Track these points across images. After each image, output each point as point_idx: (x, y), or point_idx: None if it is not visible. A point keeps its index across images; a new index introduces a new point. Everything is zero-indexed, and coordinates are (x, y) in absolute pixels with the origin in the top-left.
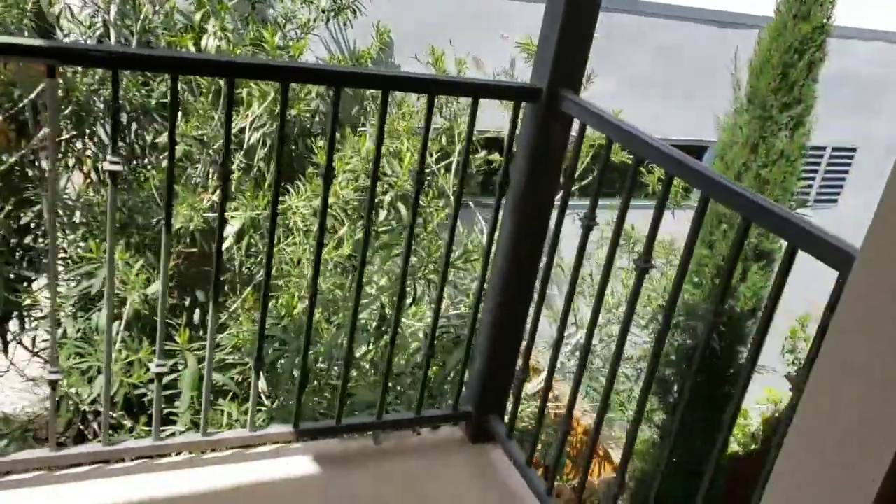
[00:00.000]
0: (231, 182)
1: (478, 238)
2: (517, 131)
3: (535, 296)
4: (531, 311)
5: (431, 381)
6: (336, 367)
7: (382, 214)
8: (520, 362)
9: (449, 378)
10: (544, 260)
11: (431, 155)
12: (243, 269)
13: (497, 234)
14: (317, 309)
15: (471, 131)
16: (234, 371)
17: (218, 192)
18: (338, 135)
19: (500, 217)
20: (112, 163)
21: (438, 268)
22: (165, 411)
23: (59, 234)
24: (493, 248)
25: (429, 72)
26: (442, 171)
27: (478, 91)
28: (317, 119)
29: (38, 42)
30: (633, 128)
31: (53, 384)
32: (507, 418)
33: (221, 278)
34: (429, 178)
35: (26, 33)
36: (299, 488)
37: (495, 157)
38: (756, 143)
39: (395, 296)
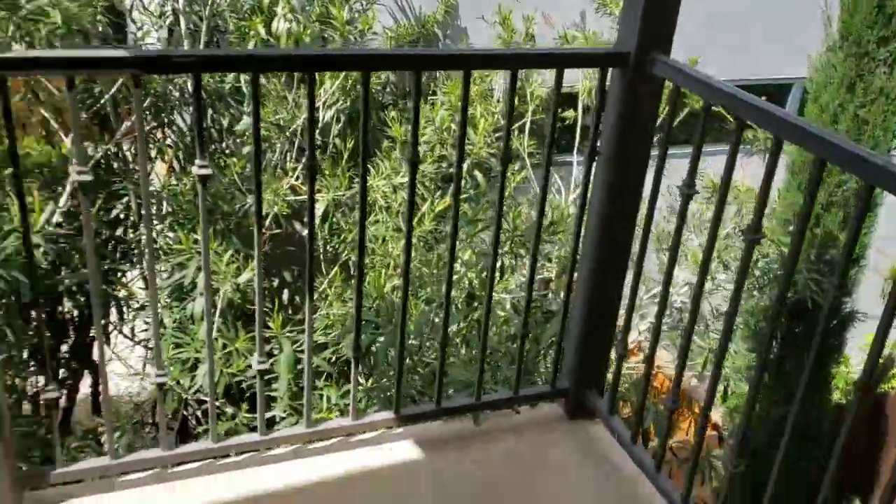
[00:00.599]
0: (317, 172)
1: (555, 200)
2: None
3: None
4: (628, 279)
5: (525, 356)
6: (427, 344)
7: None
8: (618, 334)
9: (542, 353)
10: (639, 229)
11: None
12: (328, 247)
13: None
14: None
15: (557, 106)
16: (327, 352)
17: (298, 173)
18: (408, 104)
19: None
20: (201, 167)
21: (525, 240)
22: (267, 394)
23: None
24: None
25: (496, 31)
26: (515, 132)
27: (562, 62)
28: (387, 90)
29: (121, 53)
30: (733, 88)
31: (161, 386)
32: (606, 393)
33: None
34: (499, 140)
35: (100, 28)
36: (405, 473)
37: (569, 114)
38: (852, 82)
39: (483, 271)
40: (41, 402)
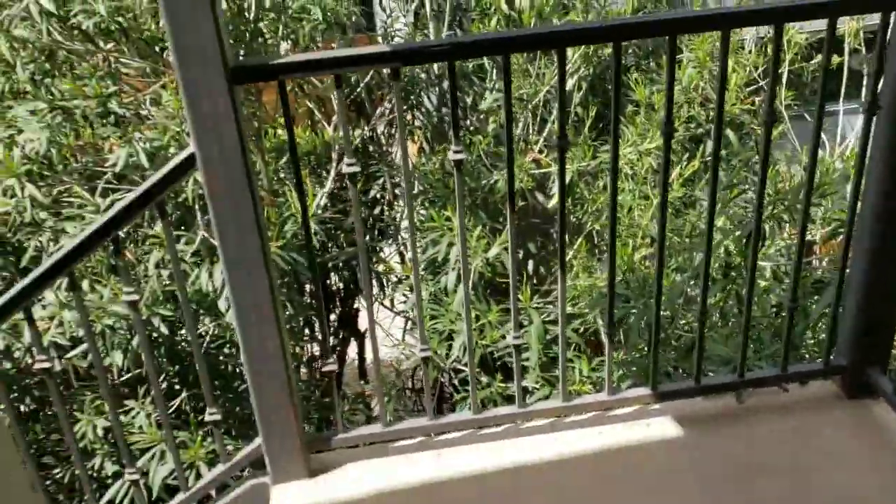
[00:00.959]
0: (567, 149)
1: (819, 154)
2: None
3: None
4: None
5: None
6: (680, 316)
7: (710, 145)
8: None
9: (810, 326)
10: None
11: (757, 69)
12: (571, 218)
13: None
14: (654, 258)
15: (827, 60)
16: (576, 322)
17: (540, 145)
18: (652, 64)
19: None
20: (456, 151)
21: (787, 202)
22: (511, 365)
23: (400, 202)
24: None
25: None
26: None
27: (832, 9)
28: (629, 51)
29: (383, 48)
30: None
31: (426, 360)
32: (891, 370)
33: (553, 229)
34: (753, 95)
35: (353, 19)
36: (664, 450)
37: (834, 59)
38: None
39: (742, 238)
40: (320, 372)
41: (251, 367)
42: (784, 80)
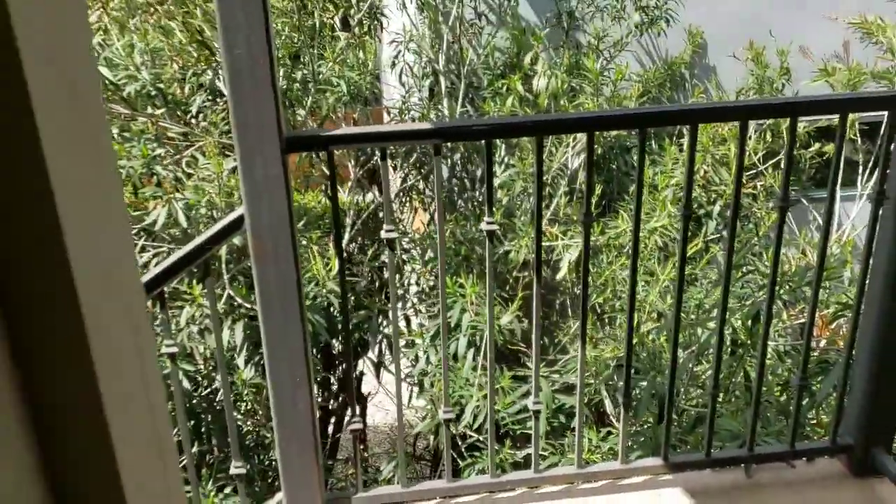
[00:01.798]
0: (592, 228)
1: (811, 238)
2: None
3: None
4: None
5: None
6: (684, 391)
7: (711, 225)
8: None
9: (816, 404)
10: None
11: (756, 154)
12: (576, 290)
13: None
14: (660, 332)
15: (840, 152)
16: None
17: (557, 226)
18: (655, 146)
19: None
20: (488, 223)
21: (792, 284)
22: (519, 431)
23: (415, 265)
24: (870, 259)
25: (748, 68)
26: (770, 170)
27: (846, 106)
28: (634, 132)
29: (426, 126)
30: None
31: (448, 423)
32: None
33: (557, 301)
34: (753, 180)
35: (375, 92)
36: None
37: (828, 148)
38: None
39: (747, 317)
40: (334, 431)
41: (280, 424)
42: (783, 165)
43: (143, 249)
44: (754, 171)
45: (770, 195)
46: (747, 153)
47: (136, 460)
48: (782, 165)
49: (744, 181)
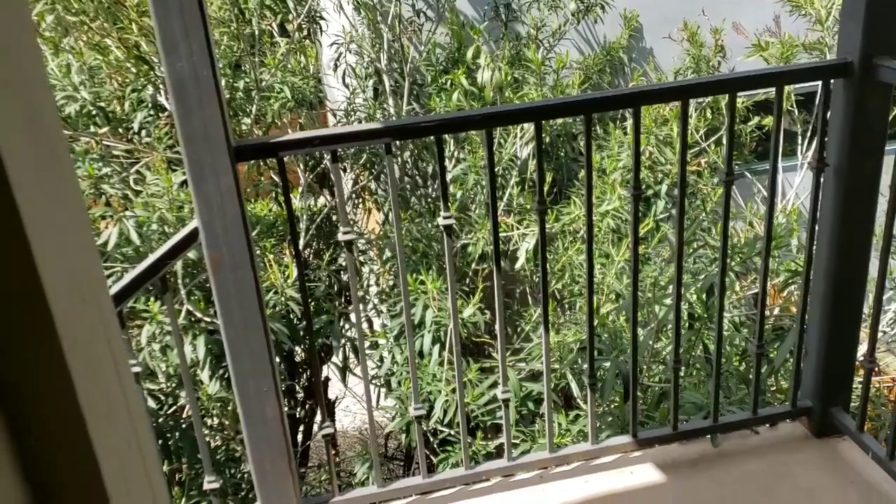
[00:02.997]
0: (546, 215)
1: (757, 209)
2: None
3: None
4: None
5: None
6: (645, 368)
7: (660, 204)
8: (864, 348)
9: (774, 370)
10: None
11: (698, 131)
12: (534, 278)
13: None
14: (619, 312)
15: (779, 123)
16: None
17: (512, 216)
18: (600, 131)
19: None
20: (445, 217)
21: (743, 258)
22: (490, 422)
23: (373, 266)
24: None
25: (684, 48)
26: (713, 146)
27: (781, 79)
28: (579, 119)
29: (376, 126)
30: None
31: (419, 419)
32: (853, 409)
33: (518, 290)
34: (697, 157)
35: (320, 96)
36: (648, 495)
37: (767, 121)
38: None
39: (701, 291)
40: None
41: (250, 433)
42: (725, 140)
43: None
44: (698, 148)
45: (714, 171)
46: (689, 131)
47: (118, 466)
48: (724, 141)
49: (688, 159)
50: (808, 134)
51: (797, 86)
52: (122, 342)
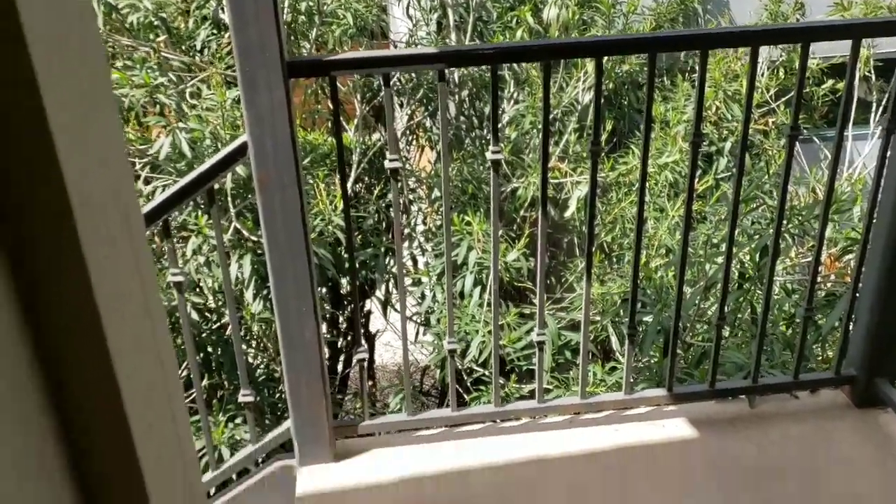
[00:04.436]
0: (599, 158)
1: (822, 176)
2: None
3: None
4: None
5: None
6: (690, 326)
7: (722, 162)
8: None
9: (821, 337)
10: None
11: (769, 91)
12: (584, 229)
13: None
14: (668, 268)
15: (851, 80)
16: (589, 328)
17: (566, 163)
18: (667, 82)
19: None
20: (494, 152)
21: (801, 220)
22: (525, 367)
23: (421, 205)
24: (879, 192)
25: (762, 2)
26: (782, 107)
27: (856, 31)
28: (644, 69)
29: (430, 50)
30: None
31: (452, 353)
32: None
33: (565, 240)
34: (765, 117)
35: (382, 25)
36: (678, 450)
37: (841, 86)
38: None
39: (755, 251)
40: (346, 362)
41: (288, 354)
42: (794, 91)
43: (147, 181)
44: (767, 107)
45: (782, 133)
46: (760, 90)
47: (133, 362)
48: (793, 95)
49: (756, 118)
50: (883, 102)
51: (876, 51)
52: (145, 240)
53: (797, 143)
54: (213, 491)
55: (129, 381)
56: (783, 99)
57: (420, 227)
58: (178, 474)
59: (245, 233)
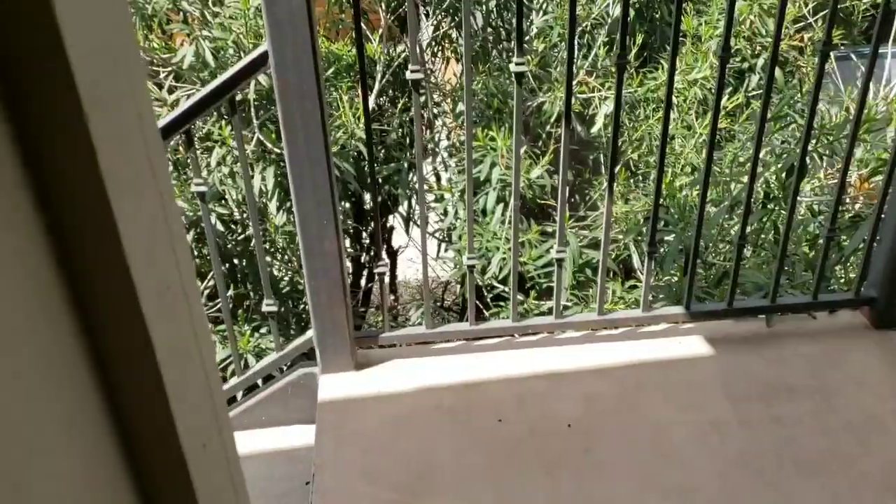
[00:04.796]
0: (625, 71)
1: (855, 95)
2: None
3: None
4: None
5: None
6: (712, 246)
7: (754, 80)
8: None
9: (843, 259)
10: None
11: (807, 5)
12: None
13: None
14: (693, 187)
15: None
16: (610, 247)
17: (594, 77)
18: None
19: None
20: (517, 64)
21: (831, 140)
22: (545, 285)
23: (445, 120)
24: None
25: None
26: (820, 22)
27: None
28: None
29: None
30: None
31: (471, 269)
32: None
33: (591, 157)
34: (801, 32)
35: None
36: (693, 366)
37: None
38: None
39: (782, 170)
40: (368, 275)
41: (309, 264)
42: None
43: (171, 91)
44: (804, 22)
45: (817, 50)
46: (796, 3)
47: (142, 244)
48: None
49: (791, 33)
50: None
51: None
52: (159, 141)
53: (833, 61)
54: (240, 395)
55: (143, 281)
56: (821, 14)
57: (444, 143)
58: (194, 358)
59: (268, 144)
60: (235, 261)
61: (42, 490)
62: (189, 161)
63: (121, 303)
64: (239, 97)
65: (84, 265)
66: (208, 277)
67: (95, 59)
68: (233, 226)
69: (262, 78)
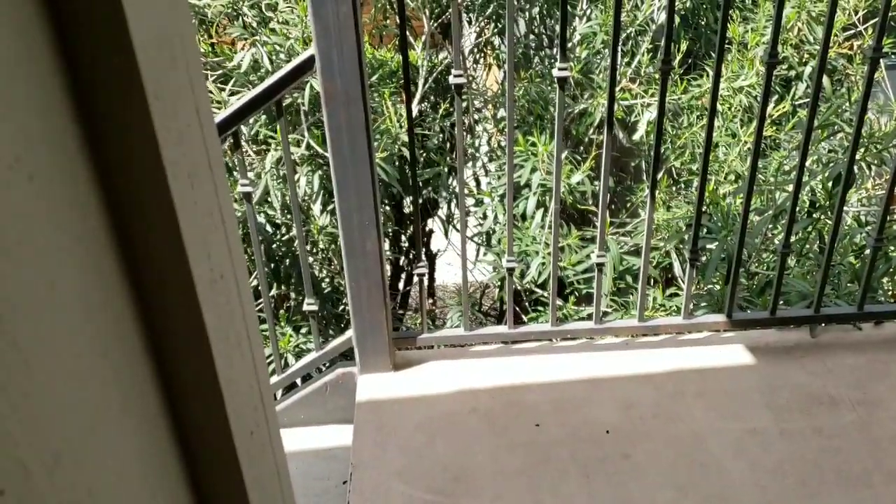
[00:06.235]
0: (669, 78)
1: None
2: None
3: None
4: None
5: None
6: (755, 255)
7: (801, 88)
8: None
9: (891, 270)
10: None
11: (857, 13)
12: (650, 153)
13: None
14: (737, 195)
15: None
16: (651, 254)
17: (638, 84)
18: (748, 1)
19: None
20: (560, 69)
21: (880, 149)
22: (584, 291)
23: (486, 125)
24: None
25: None
26: (870, 30)
27: None
28: None
29: None
30: None
31: (510, 272)
32: None
33: (632, 164)
34: (851, 40)
35: None
36: (735, 375)
37: None
38: None
39: (828, 179)
40: (408, 276)
41: (350, 265)
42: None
43: (229, 93)
44: (853, 30)
45: (867, 58)
46: (847, 10)
47: (199, 233)
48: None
49: (840, 41)
50: None
51: None
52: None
53: (883, 69)
54: (279, 394)
55: (199, 268)
56: (871, 22)
57: (484, 148)
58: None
59: (317, 147)
60: (278, 261)
61: (102, 465)
62: (236, 162)
63: (178, 288)
64: (288, 100)
65: (145, 251)
66: (252, 277)
67: (158, 53)
68: (277, 227)
69: (314, 83)
